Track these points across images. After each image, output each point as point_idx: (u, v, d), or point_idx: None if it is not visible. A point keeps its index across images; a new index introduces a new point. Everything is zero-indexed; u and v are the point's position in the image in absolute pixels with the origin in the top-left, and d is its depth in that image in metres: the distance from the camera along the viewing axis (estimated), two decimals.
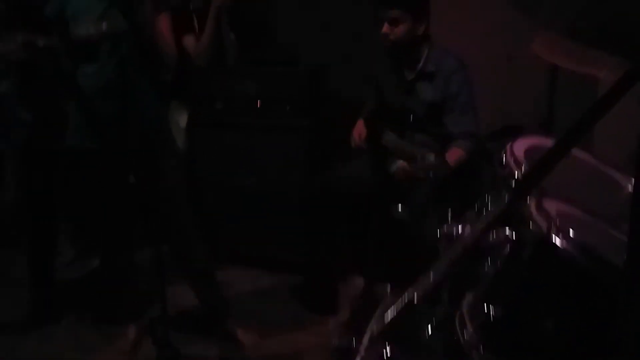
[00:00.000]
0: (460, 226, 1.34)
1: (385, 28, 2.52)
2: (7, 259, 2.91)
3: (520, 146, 1.36)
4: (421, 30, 2.55)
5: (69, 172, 2.70)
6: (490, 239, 1.22)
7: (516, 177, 1.24)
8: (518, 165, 1.27)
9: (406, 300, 1.12)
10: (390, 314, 1.16)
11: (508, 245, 1.21)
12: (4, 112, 2.62)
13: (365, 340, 1.34)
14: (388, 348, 1.31)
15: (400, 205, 2.36)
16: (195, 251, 2.48)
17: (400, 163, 2.51)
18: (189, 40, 3.03)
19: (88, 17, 2.26)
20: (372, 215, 2.49)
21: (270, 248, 3.12)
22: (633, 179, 0.86)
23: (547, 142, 1.40)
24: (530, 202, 1.18)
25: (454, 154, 2.47)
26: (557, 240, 1.11)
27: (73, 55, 2.36)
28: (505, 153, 1.33)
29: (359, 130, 2.72)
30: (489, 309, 1.20)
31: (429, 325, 1.33)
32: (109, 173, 2.38)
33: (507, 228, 1.21)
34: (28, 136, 2.64)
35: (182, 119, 3.07)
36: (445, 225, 1.36)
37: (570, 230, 1.12)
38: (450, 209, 1.46)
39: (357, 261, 2.70)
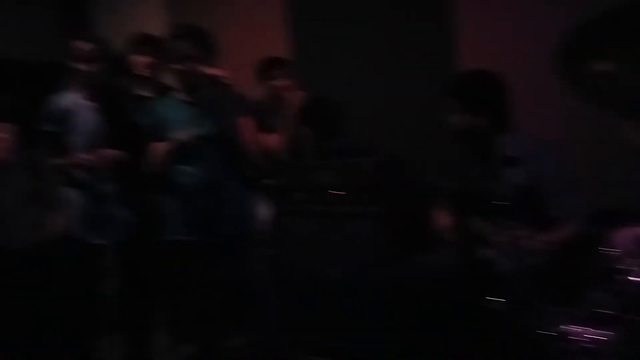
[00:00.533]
0: (570, 326, 1.24)
1: (453, 116, 2.49)
2: (106, 346, 3.06)
3: (629, 235, 1.24)
4: (487, 120, 2.45)
5: (167, 263, 2.87)
6: None
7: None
8: (630, 257, 1.16)
9: None
10: None
11: None
12: (107, 210, 2.91)
13: None
14: None
15: (495, 296, 2.16)
16: (278, 340, 2.58)
17: (492, 250, 2.38)
18: (269, 138, 3.27)
19: (181, 123, 2.52)
20: (458, 307, 2.38)
21: (349, 339, 3.08)
22: None
23: None
24: None
25: (558, 236, 2.27)
26: None
27: (169, 157, 2.59)
28: (612, 241, 1.23)
29: (443, 218, 2.65)
30: None
31: None
32: (204, 264, 2.55)
33: None
34: (128, 231, 2.89)
35: (266, 211, 3.25)
36: (560, 325, 1.26)
37: None
38: (553, 301, 1.37)
39: (440, 356, 2.59)
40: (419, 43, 3.50)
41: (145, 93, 3.11)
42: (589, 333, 1.15)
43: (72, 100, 2.93)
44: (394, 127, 3.50)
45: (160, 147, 2.46)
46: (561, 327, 1.27)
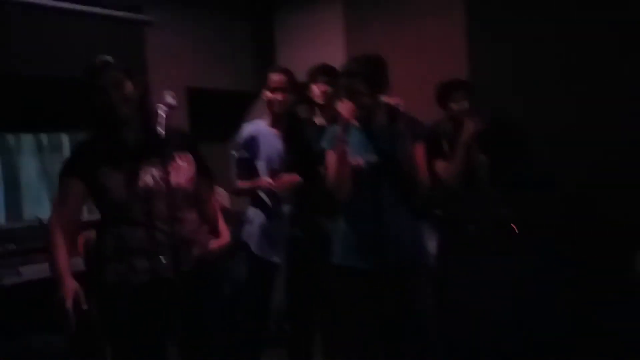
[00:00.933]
0: None
1: None
2: (273, 357, 3.21)
3: None
4: None
5: (332, 287, 2.87)
6: None
7: None
8: None
9: None
10: None
11: None
12: (282, 230, 3.05)
13: None
14: None
15: None
16: None
17: None
18: (439, 165, 3.15)
19: (355, 149, 2.52)
20: None
21: None
22: None
23: None
24: None
25: None
26: None
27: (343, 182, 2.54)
28: None
29: None
30: None
31: None
32: (368, 291, 2.51)
33: None
34: (298, 251, 3.03)
35: (433, 243, 3.12)
36: None
37: None
38: None
39: None
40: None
41: (322, 121, 3.21)
42: None
43: (260, 127, 3.18)
44: (586, 153, 3.17)
45: (335, 173, 2.49)
46: None
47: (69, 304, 1.93)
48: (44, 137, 4.99)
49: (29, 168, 4.98)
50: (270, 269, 3.13)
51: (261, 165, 3.13)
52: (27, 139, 4.97)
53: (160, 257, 2.13)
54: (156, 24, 4.62)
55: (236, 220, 4.53)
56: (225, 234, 2.49)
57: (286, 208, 3.10)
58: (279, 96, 3.08)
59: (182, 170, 2.26)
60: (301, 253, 3.09)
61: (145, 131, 2.20)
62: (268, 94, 3.11)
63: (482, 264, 3.07)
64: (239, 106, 5.36)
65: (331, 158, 2.53)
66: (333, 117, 3.08)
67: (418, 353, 2.51)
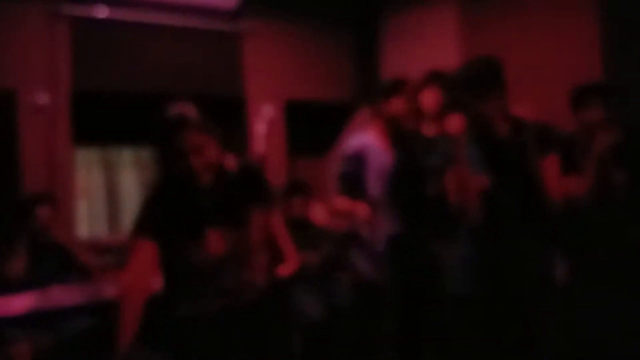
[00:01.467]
0: None
1: None
2: None
3: None
4: None
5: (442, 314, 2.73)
6: None
7: None
8: None
9: None
10: None
11: None
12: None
13: None
14: None
15: None
16: None
17: None
18: (573, 181, 2.83)
19: (475, 163, 2.28)
20: None
21: None
22: None
23: None
24: None
25: None
26: None
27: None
28: None
29: None
30: None
31: None
32: (489, 321, 2.30)
33: None
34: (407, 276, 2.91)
35: (560, 270, 2.82)
36: None
37: None
38: None
39: None
40: None
41: (432, 132, 3.02)
42: None
43: (368, 141, 3.08)
44: None
45: (458, 195, 2.30)
46: None
47: None
48: (143, 152, 5.16)
49: (129, 182, 5.17)
50: (377, 291, 3.03)
51: (370, 181, 3.00)
52: (128, 154, 5.16)
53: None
54: (254, 34, 4.67)
55: (336, 239, 4.43)
56: (293, 258, 2.37)
57: (394, 229, 2.96)
58: (382, 107, 3.00)
59: (256, 226, 2.11)
60: (410, 278, 2.94)
61: (221, 193, 2.05)
62: (374, 104, 3.04)
63: (615, 295, 2.75)
64: (339, 118, 5.30)
65: (452, 177, 2.33)
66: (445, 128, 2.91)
67: None
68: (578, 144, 2.93)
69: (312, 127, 5.43)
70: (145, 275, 2.03)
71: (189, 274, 2.04)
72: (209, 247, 2.01)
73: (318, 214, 4.94)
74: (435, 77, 3.03)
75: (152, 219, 2.01)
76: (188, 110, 1.96)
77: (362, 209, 2.92)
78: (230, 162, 2.06)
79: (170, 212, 2.00)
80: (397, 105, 2.99)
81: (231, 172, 2.06)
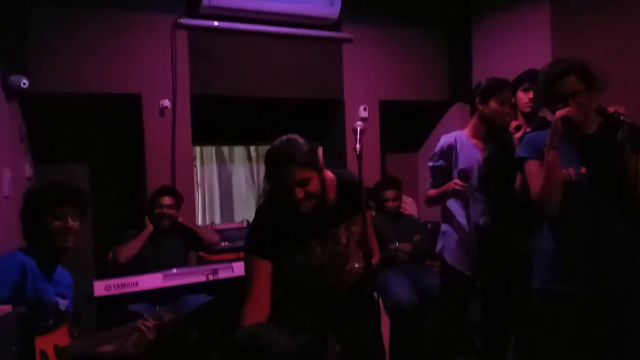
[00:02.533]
0: None
1: None
2: None
3: None
4: None
5: (527, 308, 2.80)
6: None
7: None
8: None
9: None
10: None
11: None
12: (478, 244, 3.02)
13: None
14: None
15: None
16: None
17: None
18: None
19: (566, 159, 2.33)
20: None
21: None
22: None
23: None
24: None
25: None
26: None
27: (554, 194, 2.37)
28: None
29: None
30: None
31: None
32: (576, 316, 2.33)
33: None
34: (494, 267, 3.00)
35: None
36: None
37: None
38: None
39: None
40: None
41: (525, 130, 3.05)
42: None
43: (459, 137, 3.16)
44: None
45: (543, 183, 2.32)
46: None
47: None
48: (252, 149, 5.56)
49: (240, 176, 5.55)
50: (465, 281, 3.11)
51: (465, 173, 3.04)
52: (239, 150, 5.55)
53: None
54: (353, 39, 4.83)
55: (426, 230, 4.59)
56: (376, 252, 2.53)
57: (482, 220, 3.05)
58: (490, 106, 3.05)
59: (354, 231, 2.30)
60: (496, 269, 3.03)
61: (322, 217, 2.21)
62: (479, 105, 3.09)
63: None
64: (432, 116, 5.40)
65: (532, 168, 2.39)
66: (536, 125, 2.99)
67: None
68: None
69: (407, 125, 5.54)
70: (265, 298, 2.15)
71: (299, 274, 2.29)
72: (314, 254, 2.26)
73: (409, 206, 5.11)
74: (531, 77, 3.05)
75: (264, 241, 2.19)
76: (295, 144, 2.09)
77: (452, 184, 2.98)
78: (330, 179, 2.21)
79: (279, 234, 2.20)
80: (493, 105, 3.04)
81: (331, 197, 2.22)
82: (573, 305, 2.31)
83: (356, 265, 2.35)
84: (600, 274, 2.26)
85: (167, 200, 3.87)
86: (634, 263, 2.31)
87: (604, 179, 2.29)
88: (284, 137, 2.13)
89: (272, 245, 2.19)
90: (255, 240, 2.23)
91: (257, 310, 2.12)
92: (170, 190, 3.97)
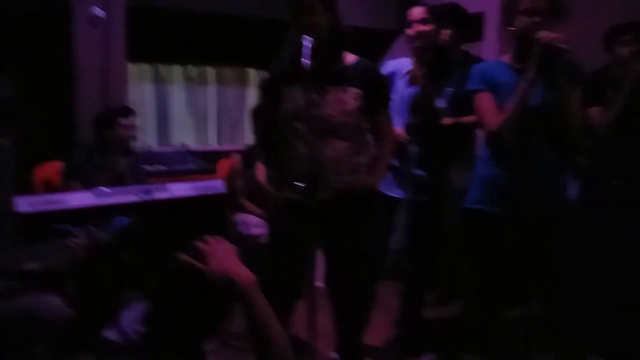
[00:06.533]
0: None
1: None
2: (386, 289, 3.17)
3: None
4: None
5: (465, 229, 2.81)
6: None
7: None
8: None
9: None
10: None
11: None
12: (406, 169, 2.97)
13: None
14: None
15: None
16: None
17: None
18: (595, 111, 2.90)
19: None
20: None
21: None
22: None
23: None
24: None
25: None
26: None
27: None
28: None
29: None
30: None
31: None
32: (504, 237, 2.43)
33: None
34: (418, 189, 2.93)
35: (576, 194, 2.93)
36: None
37: None
38: None
39: None
40: None
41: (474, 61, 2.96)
42: None
43: (402, 65, 3.08)
44: None
45: (510, 114, 2.32)
46: None
47: None
48: (191, 69, 5.30)
49: (178, 98, 5.34)
50: (390, 203, 3.04)
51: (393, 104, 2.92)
52: (177, 71, 5.30)
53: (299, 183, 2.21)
54: None
55: None
56: (380, 170, 2.50)
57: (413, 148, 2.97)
58: (420, 29, 2.96)
59: (339, 102, 2.29)
60: (423, 192, 2.96)
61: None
62: (410, 29, 3.00)
63: (623, 219, 2.85)
64: (381, 44, 5.28)
65: (485, 100, 2.39)
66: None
67: (554, 300, 2.46)
68: (610, 79, 2.96)
69: (355, 52, 5.44)
70: None
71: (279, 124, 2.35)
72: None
73: None
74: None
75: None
76: None
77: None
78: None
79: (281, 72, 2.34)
80: (425, 29, 2.97)
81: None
82: (505, 225, 2.40)
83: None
84: (529, 200, 2.35)
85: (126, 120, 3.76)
86: (560, 193, 2.46)
87: (540, 112, 2.32)
88: None
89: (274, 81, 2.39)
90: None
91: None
92: (128, 111, 3.85)
